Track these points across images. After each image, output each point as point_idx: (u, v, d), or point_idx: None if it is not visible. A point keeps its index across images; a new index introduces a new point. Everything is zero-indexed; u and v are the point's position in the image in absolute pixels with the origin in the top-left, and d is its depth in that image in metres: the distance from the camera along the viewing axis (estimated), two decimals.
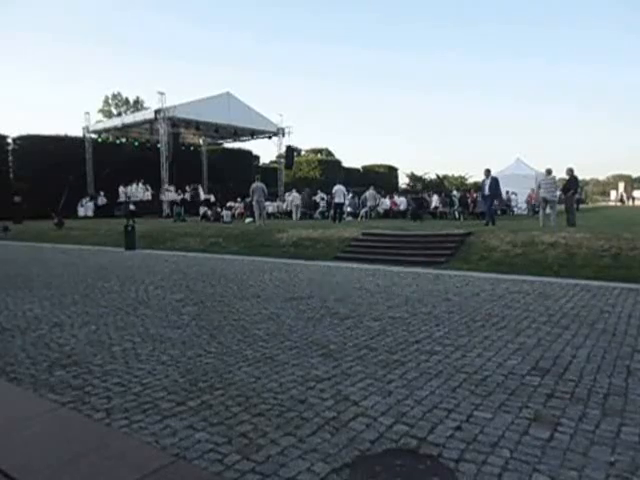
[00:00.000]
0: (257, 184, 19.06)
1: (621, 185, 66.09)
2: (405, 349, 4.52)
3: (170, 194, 27.70)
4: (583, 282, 8.27)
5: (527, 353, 4.36)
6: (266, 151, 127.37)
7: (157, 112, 26.91)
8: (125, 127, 31.06)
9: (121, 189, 28.50)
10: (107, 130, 32.79)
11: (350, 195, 25.50)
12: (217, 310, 6.28)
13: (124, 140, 34.07)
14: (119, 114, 56.93)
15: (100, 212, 28.57)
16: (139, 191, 29.53)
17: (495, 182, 16.12)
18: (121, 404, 3.36)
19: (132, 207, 24.76)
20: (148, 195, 29.85)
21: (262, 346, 4.66)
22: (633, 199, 57.12)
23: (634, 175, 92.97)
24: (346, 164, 47.84)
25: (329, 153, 63.00)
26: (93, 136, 32.25)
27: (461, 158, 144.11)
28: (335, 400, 3.38)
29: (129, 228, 15.67)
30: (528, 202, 26.26)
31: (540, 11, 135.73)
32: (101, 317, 5.96)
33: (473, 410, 3.19)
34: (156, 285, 8.35)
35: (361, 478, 2.46)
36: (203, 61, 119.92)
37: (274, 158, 39.61)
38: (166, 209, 27.43)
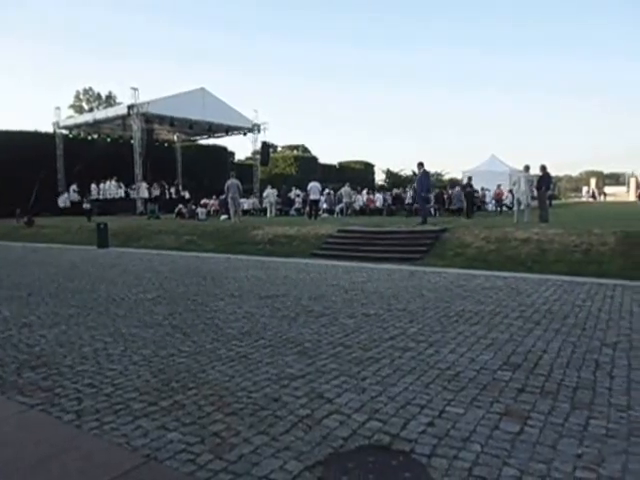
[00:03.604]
0: (232, 181, 18.89)
1: (593, 181, 67.81)
2: (379, 346, 4.54)
3: (142, 191, 27.22)
4: (555, 277, 8.44)
5: (499, 348, 4.43)
6: (242, 147, 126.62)
7: (130, 108, 26.39)
8: (97, 123, 30.36)
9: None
10: (78, 126, 32.05)
11: (326, 192, 25.50)
12: (191, 309, 6.21)
13: (96, 136, 33.38)
14: (91, 110, 55.76)
15: (74, 208, 27.97)
16: (112, 188, 29.00)
17: (423, 175, 15.44)
18: (92, 405, 3.30)
19: (87, 206, 24.13)
20: (121, 192, 29.33)
21: (236, 345, 4.63)
22: (604, 195, 58.64)
23: (605, 171, 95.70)
24: (322, 160, 47.86)
25: (305, 149, 62.82)
26: (64, 132, 31.50)
27: (439, 154, 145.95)
28: (309, 398, 3.37)
29: (101, 226, 15.38)
30: (495, 199, 26.16)
31: (511, 9, 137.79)
32: (72, 317, 5.83)
33: (445, 405, 3.23)
34: (129, 284, 8.21)
35: (334, 475, 2.46)
36: (176, 59, 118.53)
37: (249, 155, 39.39)
38: (140, 206, 26.99)
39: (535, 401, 3.29)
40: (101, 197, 28.62)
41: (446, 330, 5.05)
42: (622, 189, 61.04)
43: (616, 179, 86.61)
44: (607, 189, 63.98)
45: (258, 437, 2.84)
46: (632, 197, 46.77)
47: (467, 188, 20.95)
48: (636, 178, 51.81)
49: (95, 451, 2.73)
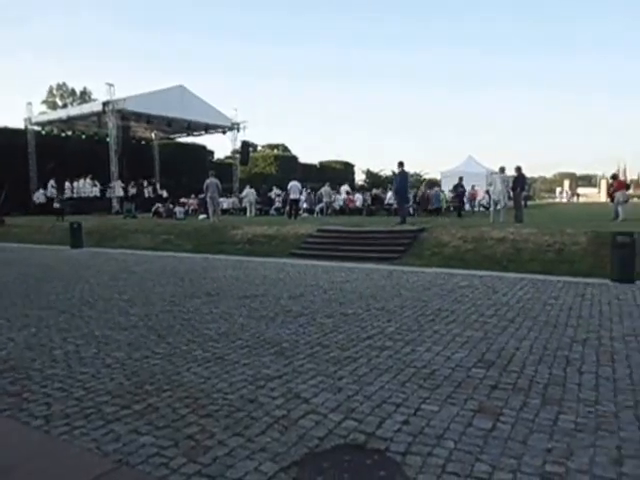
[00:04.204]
0: (211, 180, 18.72)
1: (566, 183, 69.31)
2: (357, 345, 4.55)
3: (117, 189, 26.76)
4: (529, 276, 8.59)
5: (474, 346, 4.48)
6: (221, 146, 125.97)
7: (105, 104, 25.94)
8: (71, 119, 29.74)
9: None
10: (51, 122, 31.35)
11: (305, 191, 25.47)
12: (167, 310, 6.14)
13: (70, 133, 32.72)
14: (65, 106, 54.68)
15: (49, 206, 27.29)
16: (86, 187, 28.47)
17: (401, 176, 15.39)
18: (61, 410, 3.23)
19: (57, 205, 23.50)
20: (96, 191, 28.82)
21: (212, 346, 4.59)
22: (577, 196, 59.91)
23: (578, 173, 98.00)
24: (303, 160, 47.84)
25: (285, 149, 62.72)
26: (36, 128, 30.78)
27: (419, 155, 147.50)
28: (285, 398, 3.36)
29: (75, 225, 15.10)
30: (469, 200, 26.37)
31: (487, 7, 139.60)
32: (42, 319, 5.70)
33: (421, 403, 3.25)
34: (103, 285, 8.08)
35: (309, 475, 2.46)
36: (155, 61, 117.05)
37: (229, 153, 39.15)
38: (116, 205, 26.58)
39: (508, 397, 3.33)
40: (75, 196, 28.04)
41: (423, 329, 5.09)
42: (594, 190, 62.53)
43: (588, 181, 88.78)
44: (580, 190, 65.46)
45: (233, 439, 2.82)
46: (603, 198, 47.87)
47: (459, 188, 21.30)
48: (607, 180, 53.06)
49: (64, 457, 2.67)
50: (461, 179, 21.90)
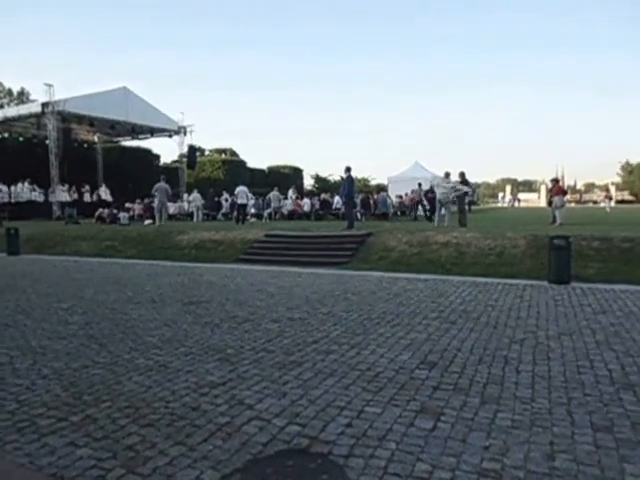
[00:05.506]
0: (161, 184, 18.26)
1: (508, 188, 72.24)
2: (302, 350, 4.56)
3: (58, 194, 25.60)
4: (471, 279, 8.88)
5: (417, 348, 4.59)
6: (169, 150, 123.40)
7: (45, 105, 24.87)
8: (8, 121, 28.32)
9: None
10: None
11: (252, 196, 25.29)
12: (108, 318, 5.93)
13: (6, 135, 31.09)
14: (1, 106, 51.95)
15: None
16: (24, 191, 27.09)
17: (348, 181, 15.48)
18: None
19: None
20: (36, 195, 27.47)
21: (155, 354, 4.47)
22: (518, 201, 62.53)
23: (519, 179, 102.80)
24: (251, 164, 47.46)
25: (233, 153, 61.96)
26: None
27: (366, 161, 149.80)
28: (229, 405, 3.33)
29: (12, 231, 14.35)
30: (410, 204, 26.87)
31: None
32: None
33: (364, 406, 3.29)
34: (41, 293, 7.71)
35: None
36: (97, 69, 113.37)
37: (176, 157, 38.37)
38: (57, 211, 25.44)
39: (449, 397, 3.43)
40: (13, 200, 26.60)
41: (368, 332, 5.16)
42: (534, 195, 65.50)
43: (529, 186, 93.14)
44: (521, 195, 68.27)
45: (175, 448, 2.76)
46: (543, 203, 50.23)
47: (429, 194, 21.86)
48: (546, 185, 55.71)
49: None
50: (432, 186, 22.44)
